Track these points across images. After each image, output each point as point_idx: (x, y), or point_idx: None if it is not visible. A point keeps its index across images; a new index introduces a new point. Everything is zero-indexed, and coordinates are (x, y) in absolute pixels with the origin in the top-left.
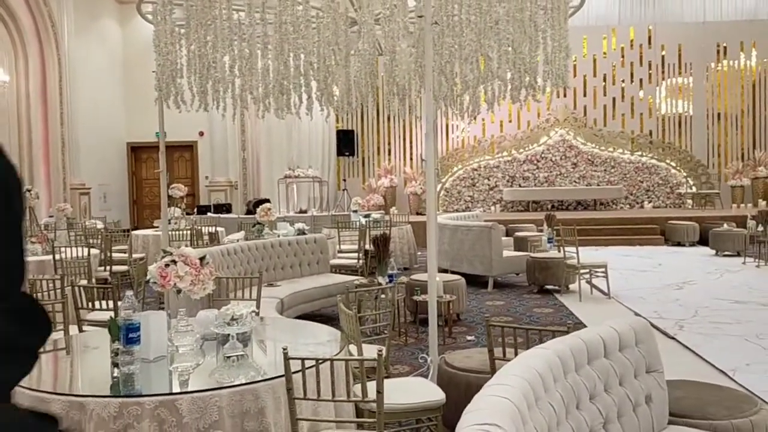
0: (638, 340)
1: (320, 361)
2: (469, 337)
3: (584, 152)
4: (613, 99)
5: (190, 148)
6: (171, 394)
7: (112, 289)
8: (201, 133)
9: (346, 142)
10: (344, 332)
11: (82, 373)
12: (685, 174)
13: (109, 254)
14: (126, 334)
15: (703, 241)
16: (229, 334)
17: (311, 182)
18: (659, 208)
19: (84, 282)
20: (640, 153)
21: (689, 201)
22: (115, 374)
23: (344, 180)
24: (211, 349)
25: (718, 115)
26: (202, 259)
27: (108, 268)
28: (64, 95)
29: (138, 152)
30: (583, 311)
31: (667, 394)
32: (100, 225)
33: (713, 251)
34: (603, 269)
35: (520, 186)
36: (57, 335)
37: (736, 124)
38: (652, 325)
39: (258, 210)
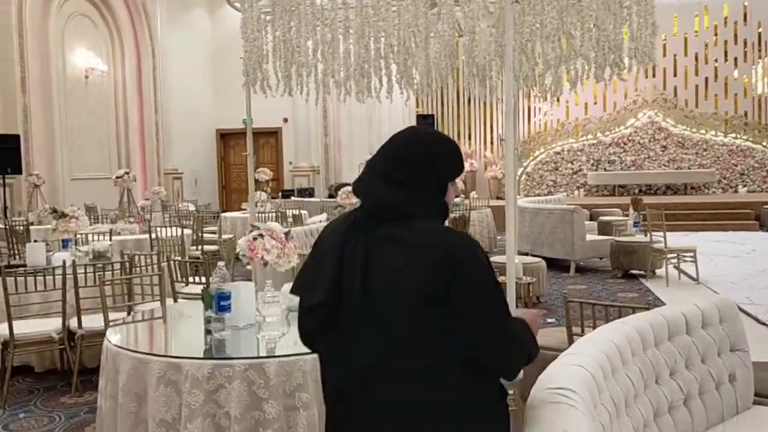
0: (722, 319)
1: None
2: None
3: (674, 134)
4: (706, 79)
5: (274, 134)
6: (259, 357)
7: (204, 264)
8: (285, 120)
9: (426, 126)
10: None
11: (177, 339)
12: None
13: (200, 234)
14: (218, 302)
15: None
16: None
17: None
18: (754, 193)
19: (178, 258)
20: (734, 135)
21: None
22: (208, 340)
23: None
24: (296, 320)
25: None
26: (287, 233)
27: (200, 247)
28: (158, 83)
29: (226, 139)
30: (670, 296)
31: (752, 373)
32: (191, 207)
33: None
34: (692, 254)
35: (605, 170)
36: (154, 305)
37: None
38: (742, 310)
39: (339, 193)
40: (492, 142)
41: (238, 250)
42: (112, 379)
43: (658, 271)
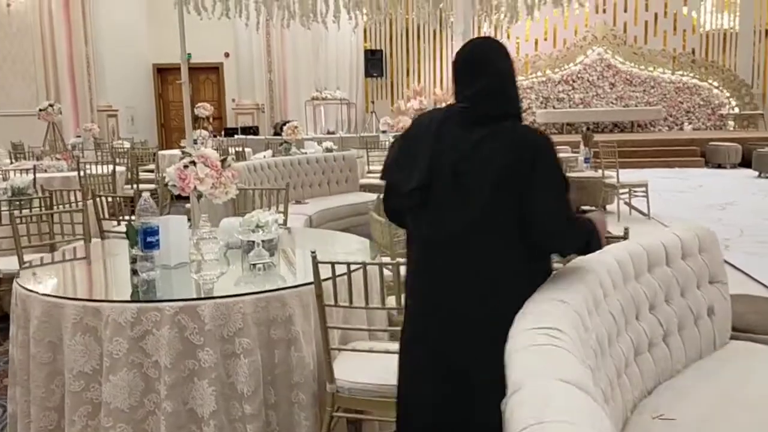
0: (702, 248)
1: (352, 266)
2: None
3: (623, 72)
4: (655, 15)
5: (215, 70)
6: (192, 299)
7: (135, 201)
8: (226, 55)
9: (374, 63)
10: (376, 242)
11: (100, 280)
12: (727, 94)
13: (135, 172)
14: (144, 238)
15: (745, 163)
16: (254, 242)
17: (339, 104)
18: (700, 130)
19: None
20: (681, 72)
21: (731, 122)
22: (135, 281)
23: (372, 102)
24: (236, 258)
25: (766, 31)
26: (223, 161)
27: (135, 186)
28: (87, 13)
29: (164, 74)
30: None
31: (730, 306)
32: (127, 145)
33: (756, 173)
34: (643, 189)
35: (554, 108)
36: (79, 244)
37: None
38: None
39: (285, 128)
40: (442, 80)
41: (167, 180)
42: (22, 326)
43: (608, 207)
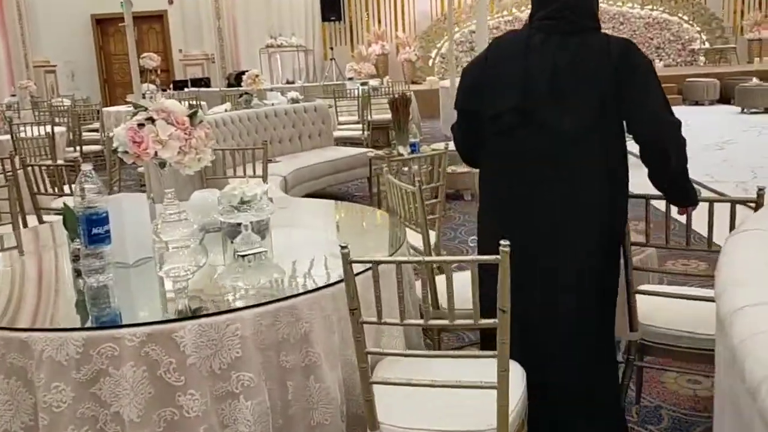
0: None
1: (396, 264)
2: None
3: None
4: None
5: (159, 18)
6: (165, 322)
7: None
8: (170, 1)
9: (331, 6)
10: (394, 214)
11: (30, 293)
12: (698, 29)
13: (78, 133)
14: (88, 230)
15: (723, 99)
16: (240, 224)
17: (295, 52)
18: (671, 66)
19: (48, 162)
20: (650, 7)
21: (702, 58)
22: (78, 289)
23: (331, 48)
24: (215, 245)
25: None
26: (192, 116)
27: (78, 148)
28: None
29: (104, 26)
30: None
31: None
32: (67, 103)
33: (738, 109)
34: None
35: None
36: (5, 230)
37: None
38: (710, 189)
39: (244, 78)
40: (404, 22)
41: (115, 145)
42: None
43: None
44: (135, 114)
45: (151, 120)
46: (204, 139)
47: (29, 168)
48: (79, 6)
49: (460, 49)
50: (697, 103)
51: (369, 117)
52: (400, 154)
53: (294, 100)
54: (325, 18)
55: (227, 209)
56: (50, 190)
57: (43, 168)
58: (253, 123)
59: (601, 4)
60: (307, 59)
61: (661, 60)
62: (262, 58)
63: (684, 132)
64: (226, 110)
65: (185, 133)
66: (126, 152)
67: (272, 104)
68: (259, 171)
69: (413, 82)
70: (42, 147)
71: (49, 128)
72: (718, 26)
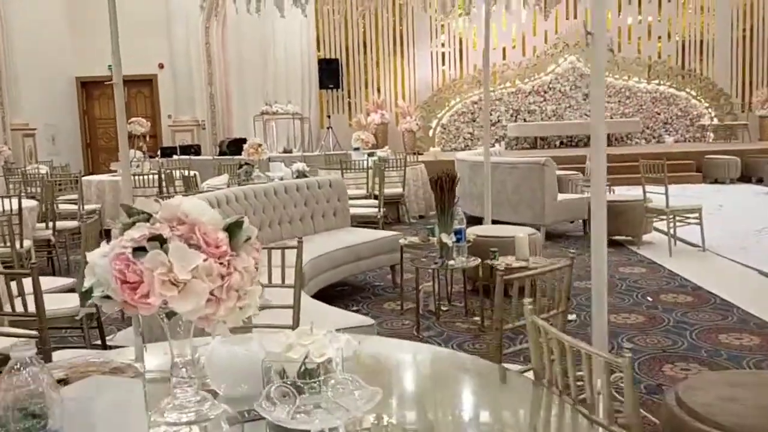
0: None
1: None
2: (570, 317)
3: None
4: (629, 21)
5: (149, 83)
6: None
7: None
8: (161, 66)
9: (329, 74)
10: (540, 378)
11: None
12: (706, 104)
13: (51, 206)
14: None
15: (744, 177)
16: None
17: (291, 119)
18: (681, 143)
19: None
20: (657, 81)
21: (710, 134)
22: None
23: (328, 116)
24: None
25: (743, 37)
26: (234, 230)
27: (50, 224)
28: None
29: (89, 88)
30: (689, 271)
31: None
32: (43, 170)
33: (766, 188)
34: (696, 214)
35: (525, 121)
36: None
37: (764, 46)
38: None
39: (246, 147)
40: (404, 90)
41: (88, 283)
42: None
43: (645, 237)
44: (128, 225)
45: (159, 240)
46: (251, 271)
47: None
48: (63, 67)
49: (462, 120)
50: (716, 181)
51: (382, 192)
52: (444, 243)
53: (301, 173)
54: (323, 85)
55: (278, 395)
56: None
57: None
58: (261, 201)
59: (607, 78)
60: (303, 127)
61: (670, 135)
62: (257, 125)
63: (721, 214)
64: (227, 185)
65: (222, 265)
66: (107, 297)
67: (277, 178)
68: (289, 278)
69: (415, 153)
70: (6, 225)
71: (16, 203)
72: (726, 102)
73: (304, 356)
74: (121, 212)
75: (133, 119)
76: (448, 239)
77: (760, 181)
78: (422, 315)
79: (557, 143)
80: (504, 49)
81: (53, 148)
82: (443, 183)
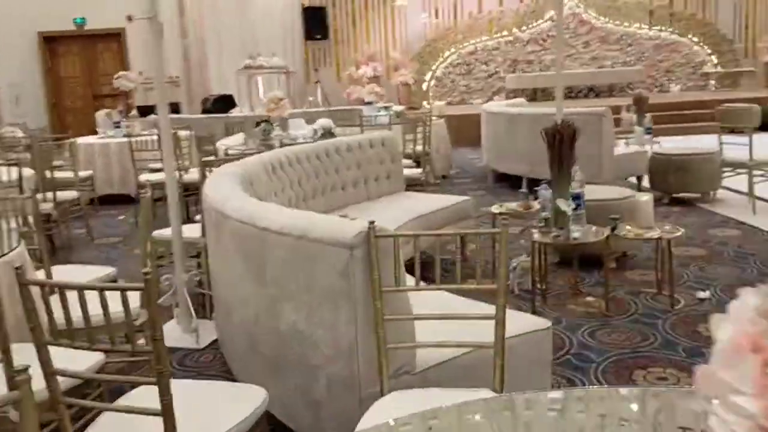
0: None
1: None
2: (701, 294)
3: (597, 28)
4: None
5: (117, 37)
6: None
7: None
8: (129, 18)
9: (315, 23)
10: None
11: None
12: (708, 51)
13: (47, 175)
14: None
15: (765, 126)
16: None
17: (277, 74)
18: (687, 91)
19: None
20: (659, 28)
21: (712, 82)
22: None
23: (316, 70)
24: None
25: None
26: None
27: (48, 195)
28: None
29: (53, 45)
30: None
31: None
32: (20, 133)
33: None
34: None
35: (523, 71)
36: None
37: None
38: None
39: (266, 101)
40: (395, 40)
41: None
42: None
43: (716, 194)
44: None
45: None
46: None
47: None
48: (24, 22)
49: (457, 72)
50: (733, 132)
51: (425, 150)
52: (562, 211)
53: (327, 131)
54: (308, 36)
55: None
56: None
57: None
58: (313, 164)
59: (607, 25)
60: (289, 82)
61: (676, 84)
62: (240, 81)
63: None
64: (244, 145)
65: None
66: None
67: (301, 137)
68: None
69: (411, 108)
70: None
71: (13, 172)
72: (729, 48)
73: None
74: None
75: (121, 74)
76: (567, 206)
77: None
78: (518, 295)
79: (638, 91)
80: None
81: (17, 110)
82: (562, 137)
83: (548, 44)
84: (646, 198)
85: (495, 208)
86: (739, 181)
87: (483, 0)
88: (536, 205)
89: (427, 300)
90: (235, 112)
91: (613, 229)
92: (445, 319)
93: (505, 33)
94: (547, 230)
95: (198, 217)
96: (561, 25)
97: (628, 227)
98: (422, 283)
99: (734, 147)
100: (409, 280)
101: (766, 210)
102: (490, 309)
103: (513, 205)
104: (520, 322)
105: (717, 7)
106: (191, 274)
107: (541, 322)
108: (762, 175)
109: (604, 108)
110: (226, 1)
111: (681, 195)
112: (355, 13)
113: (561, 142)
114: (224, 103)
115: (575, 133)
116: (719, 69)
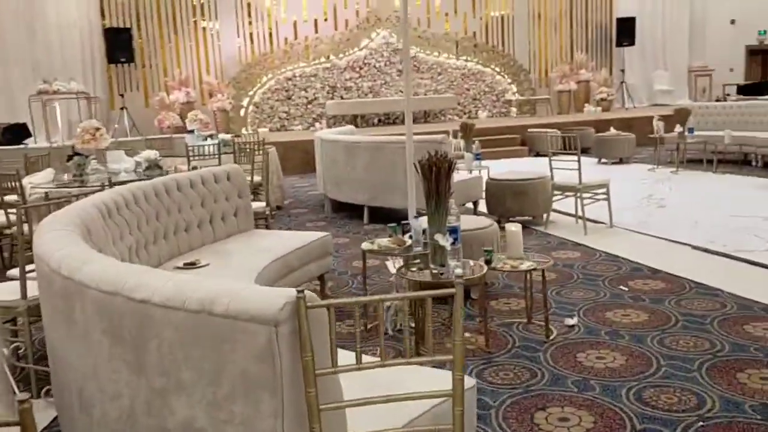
0: None
1: None
2: (569, 321)
3: (410, 57)
4: None
5: None
6: None
7: None
8: None
9: (120, 45)
10: None
11: None
12: (509, 80)
13: None
14: None
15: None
16: None
17: (76, 99)
18: (494, 117)
19: None
20: (465, 58)
21: (513, 109)
22: None
23: (121, 95)
24: None
25: (539, 15)
26: None
27: None
28: None
29: None
30: (623, 249)
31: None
32: None
33: (596, 159)
34: (604, 190)
35: (342, 98)
36: None
37: (555, 27)
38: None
39: (79, 131)
40: (209, 66)
41: None
42: None
43: (549, 217)
44: None
45: None
46: None
47: None
48: None
49: (276, 98)
50: (538, 155)
51: (267, 182)
52: (441, 246)
53: (153, 164)
54: (112, 59)
55: None
56: None
57: None
58: (152, 203)
59: (419, 54)
60: (92, 109)
61: (483, 111)
62: (34, 108)
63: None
64: (51, 186)
65: None
66: None
67: (123, 171)
68: None
69: (234, 135)
70: None
71: None
72: (525, 78)
73: None
74: None
75: None
76: (445, 241)
77: (585, 152)
78: (393, 337)
79: (375, 121)
80: (316, 22)
81: None
82: (439, 170)
83: (364, 72)
84: (514, 229)
85: (366, 246)
86: (567, 204)
87: (298, 27)
88: (407, 240)
89: (353, 374)
90: (30, 143)
91: (488, 262)
92: (390, 402)
93: (322, 59)
94: (424, 267)
95: (12, 272)
96: (408, 57)
97: (502, 259)
98: (367, 358)
99: (558, 171)
100: (341, 355)
101: (595, 230)
102: (439, 378)
103: (385, 241)
104: (443, 382)
105: (514, 40)
106: (14, 346)
107: (468, 382)
108: (590, 197)
109: (442, 135)
110: (12, 20)
111: (518, 219)
112: (163, 35)
113: (438, 174)
114: (16, 132)
115: (451, 165)
116: (518, 97)
